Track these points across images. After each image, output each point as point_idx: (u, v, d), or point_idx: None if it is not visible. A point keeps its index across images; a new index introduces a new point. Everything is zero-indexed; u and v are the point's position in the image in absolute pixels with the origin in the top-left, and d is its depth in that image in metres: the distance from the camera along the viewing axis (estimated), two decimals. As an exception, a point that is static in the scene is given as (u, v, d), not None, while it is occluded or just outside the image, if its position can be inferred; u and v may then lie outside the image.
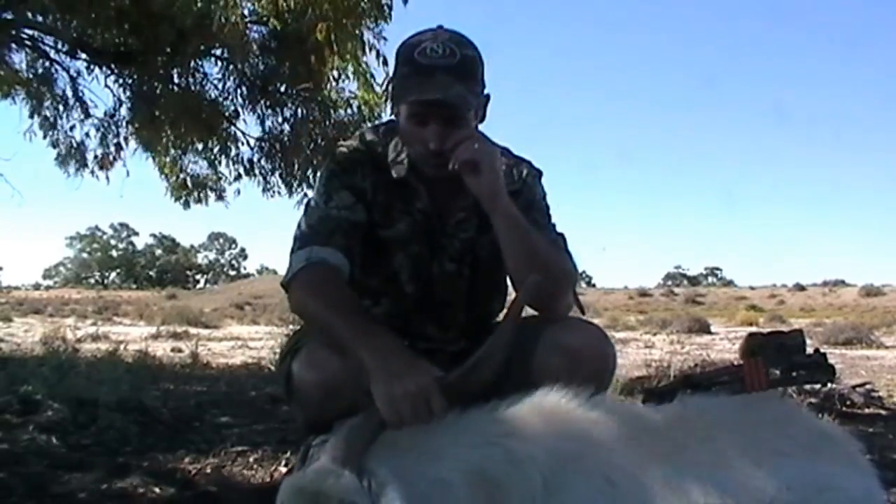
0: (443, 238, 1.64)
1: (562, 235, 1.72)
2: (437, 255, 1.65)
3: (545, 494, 1.21)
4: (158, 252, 67.84)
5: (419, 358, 1.30)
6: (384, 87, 5.09)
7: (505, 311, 1.31)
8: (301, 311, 1.54)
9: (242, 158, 6.61)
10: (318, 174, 1.69)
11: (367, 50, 4.93)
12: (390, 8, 4.74)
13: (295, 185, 6.37)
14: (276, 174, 6.49)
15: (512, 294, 1.72)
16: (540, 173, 1.73)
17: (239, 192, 6.92)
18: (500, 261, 1.65)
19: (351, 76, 5.30)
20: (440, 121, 1.48)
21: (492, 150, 1.50)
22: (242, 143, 6.55)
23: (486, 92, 1.57)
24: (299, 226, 1.59)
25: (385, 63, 4.92)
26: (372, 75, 5.28)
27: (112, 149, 6.58)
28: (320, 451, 1.20)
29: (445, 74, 1.46)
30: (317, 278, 1.49)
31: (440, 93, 1.45)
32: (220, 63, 5.93)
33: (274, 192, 6.52)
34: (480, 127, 1.61)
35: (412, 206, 1.62)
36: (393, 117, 1.68)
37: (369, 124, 1.79)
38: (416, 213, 1.62)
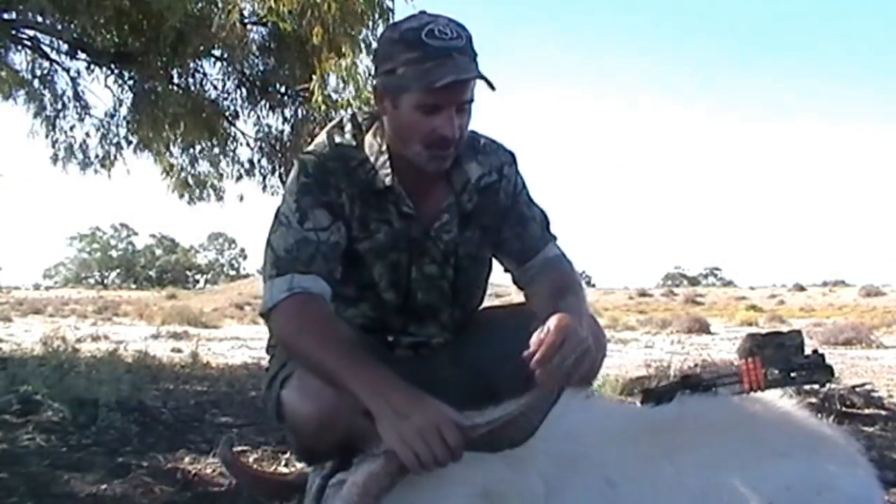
0: (427, 242, 1.58)
1: (545, 214, 1.69)
2: (418, 259, 1.58)
3: (547, 497, 1.21)
4: (158, 252, 67.81)
5: (421, 392, 1.23)
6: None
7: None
8: (287, 345, 1.44)
9: (242, 159, 6.63)
10: (287, 184, 1.52)
11: (366, 51, 4.93)
12: (392, 11, 4.74)
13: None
14: (276, 174, 6.50)
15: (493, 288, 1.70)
16: (513, 156, 1.66)
17: (242, 199, 6.94)
18: (479, 258, 1.64)
19: (347, 79, 5.30)
20: (452, 107, 1.41)
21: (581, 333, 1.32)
22: (242, 144, 6.58)
23: None
24: (271, 245, 1.46)
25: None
26: (371, 75, 5.28)
27: (112, 149, 6.59)
28: (336, 494, 1.15)
29: (461, 55, 1.39)
30: (302, 311, 1.40)
31: (465, 73, 1.38)
32: (219, 63, 5.94)
33: (274, 192, 6.54)
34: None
35: (390, 214, 1.54)
36: (370, 112, 1.59)
37: (333, 124, 1.61)
38: (395, 221, 1.54)
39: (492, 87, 1.41)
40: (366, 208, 1.52)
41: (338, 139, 1.54)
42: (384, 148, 1.52)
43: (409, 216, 1.55)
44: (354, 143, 1.53)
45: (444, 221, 1.58)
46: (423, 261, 1.59)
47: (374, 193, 1.52)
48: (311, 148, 1.55)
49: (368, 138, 1.53)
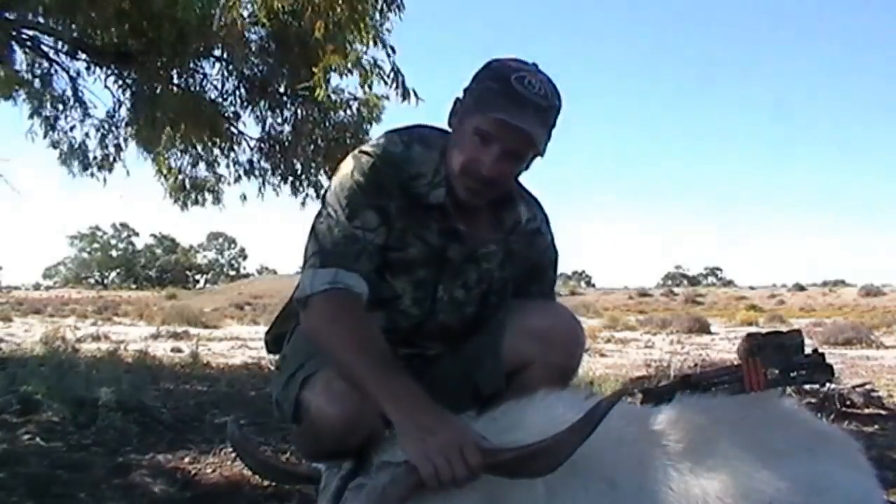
0: (468, 264, 1.58)
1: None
2: (449, 281, 1.58)
3: (549, 500, 1.21)
4: (158, 252, 67.78)
5: (446, 411, 1.25)
6: (392, 79, 5.04)
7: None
8: (316, 337, 1.44)
9: (242, 159, 6.63)
10: (339, 177, 1.52)
11: (374, 42, 4.91)
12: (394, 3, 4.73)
13: (297, 185, 6.39)
14: (276, 175, 6.50)
15: None
16: (548, 218, 1.71)
17: (245, 198, 6.90)
18: (504, 294, 1.64)
19: (353, 71, 5.26)
20: (502, 150, 1.43)
21: None
22: (242, 145, 6.57)
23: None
24: (317, 235, 1.47)
25: (393, 51, 4.89)
26: (380, 67, 5.23)
27: (112, 149, 6.59)
28: (355, 498, 1.17)
29: (535, 112, 1.42)
30: (341, 309, 1.41)
31: (529, 127, 1.41)
32: (219, 64, 5.93)
33: (274, 191, 6.54)
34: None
35: (429, 231, 1.54)
36: (419, 123, 1.61)
37: (389, 131, 1.63)
38: (431, 238, 1.54)
39: (538, 154, 1.48)
40: (408, 221, 1.52)
41: (392, 148, 1.54)
42: (442, 167, 1.52)
43: (453, 235, 1.55)
44: (410, 157, 1.53)
45: (490, 251, 1.60)
46: (455, 283, 1.59)
47: (422, 208, 1.53)
48: (368, 148, 1.55)
49: (429, 154, 1.54)
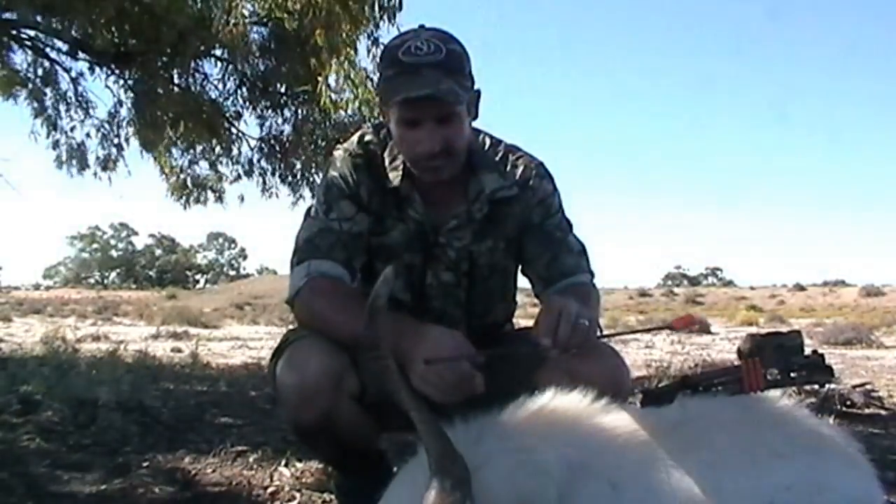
0: (436, 248, 1.59)
1: (584, 247, 1.65)
2: (432, 264, 1.60)
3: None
4: (158, 252, 67.79)
5: (423, 325, 1.33)
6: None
7: None
8: (308, 321, 1.51)
9: (242, 159, 6.63)
10: (321, 178, 1.66)
11: (366, 53, 4.94)
12: (394, 11, 4.74)
13: (295, 184, 6.39)
14: (276, 174, 6.51)
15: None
16: (548, 175, 1.65)
17: (242, 199, 6.95)
18: (499, 269, 1.64)
19: (348, 79, 5.30)
20: (432, 120, 1.42)
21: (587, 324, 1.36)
22: (242, 144, 6.58)
23: (476, 87, 1.51)
24: (298, 237, 1.55)
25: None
26: (370, 79, 5.28)
27: (113, 149, 6.60)
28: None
29: (432, 70, 1.40)
30: (319, 289, 1.48)
31: (430, 88, 1.38)
32: (220, 64, 5.94)
33: (273, 192, 6.56)
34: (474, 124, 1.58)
35: (406, 214, 1.57)
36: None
37: (370, 123, 1.75)
38: (409, 222, 1.57)
39: (450, 102, 1.41)
40: (384, 206, 1.57)
41: (367, 138, 1.61)
42: (398, 153, 1.56)
43: (419, 219, 1.57)
44: (381, 145, 1.59)
45: (451, 227, 1.59)
46: (439, 267, 1.61)
47: (391, 193, 1.56)
48: (344, 145, 1.62)
49: (392, 143, 1.57)
